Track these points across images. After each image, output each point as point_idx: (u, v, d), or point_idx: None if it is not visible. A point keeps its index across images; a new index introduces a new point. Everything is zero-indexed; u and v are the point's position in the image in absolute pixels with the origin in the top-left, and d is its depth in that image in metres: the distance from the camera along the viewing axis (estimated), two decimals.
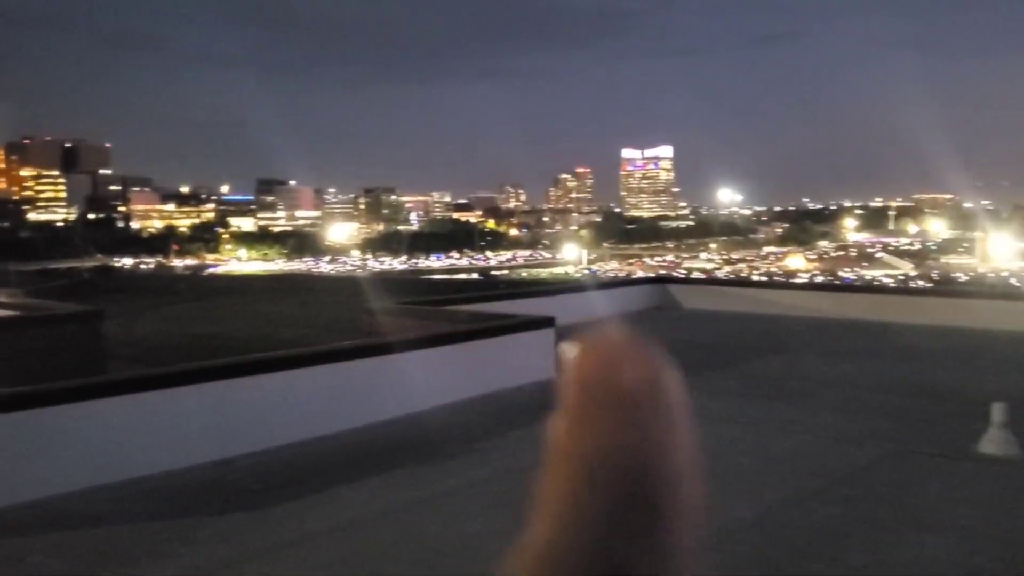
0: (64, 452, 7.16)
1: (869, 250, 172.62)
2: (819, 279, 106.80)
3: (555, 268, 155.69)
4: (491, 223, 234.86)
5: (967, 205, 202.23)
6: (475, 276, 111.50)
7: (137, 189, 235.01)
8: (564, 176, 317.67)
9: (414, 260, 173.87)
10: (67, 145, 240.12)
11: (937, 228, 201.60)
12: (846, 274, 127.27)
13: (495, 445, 8.51)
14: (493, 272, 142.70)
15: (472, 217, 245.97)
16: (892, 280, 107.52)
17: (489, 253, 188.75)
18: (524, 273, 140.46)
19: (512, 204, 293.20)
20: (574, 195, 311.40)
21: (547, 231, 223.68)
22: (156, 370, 8.37)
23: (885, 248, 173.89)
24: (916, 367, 12.38)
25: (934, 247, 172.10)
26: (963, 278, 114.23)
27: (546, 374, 11.58)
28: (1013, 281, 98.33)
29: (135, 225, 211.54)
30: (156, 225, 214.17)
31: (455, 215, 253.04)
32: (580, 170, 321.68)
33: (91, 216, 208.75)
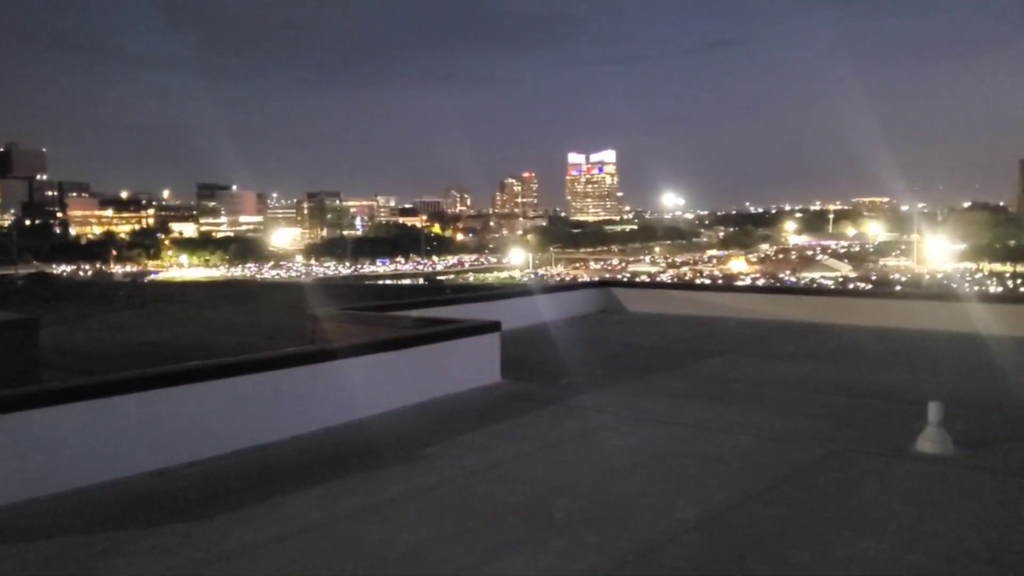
0: None
1: (809, 253, 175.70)
2: (760, 282, 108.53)
3: (501, 272, 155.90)
4: (437, 228, 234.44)
5: (904, 208, 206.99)
6: (421, 281, 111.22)
7: (75, 194, 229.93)
8: (510, 181, 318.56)
9: (359, 265, 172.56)
10: (0, 150, 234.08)
11: (875, 231, 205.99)
12: (787, 276, 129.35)
13: (440, 451, 8.46)
14: (439, 277, 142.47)
15: (418, 222, 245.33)
16: (831, 282, 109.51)
17: (435, 258, 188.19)
18: (470, 278, 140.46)
19: (458, 209, 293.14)
20: (520, 199, 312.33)
21: (493, 236, 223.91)
22: (91, 379, 8.15)
23: (824, 251, 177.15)
24: (855, 368, 12.61)
25: (872, 249, 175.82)
26: (901, 279, 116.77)
27: (492, 379, 11.58)
28: (948, 283, 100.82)
29: (73, 231, 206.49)
30: (95, 231, 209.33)
31: (401, 220, 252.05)
32: (526, 175, 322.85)
33: (27, 222, 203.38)
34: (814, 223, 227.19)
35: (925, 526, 6.16)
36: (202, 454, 8.10)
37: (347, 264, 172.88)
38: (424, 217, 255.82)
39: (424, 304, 16.20)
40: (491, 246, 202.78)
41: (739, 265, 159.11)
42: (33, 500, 6.93)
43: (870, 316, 17.13)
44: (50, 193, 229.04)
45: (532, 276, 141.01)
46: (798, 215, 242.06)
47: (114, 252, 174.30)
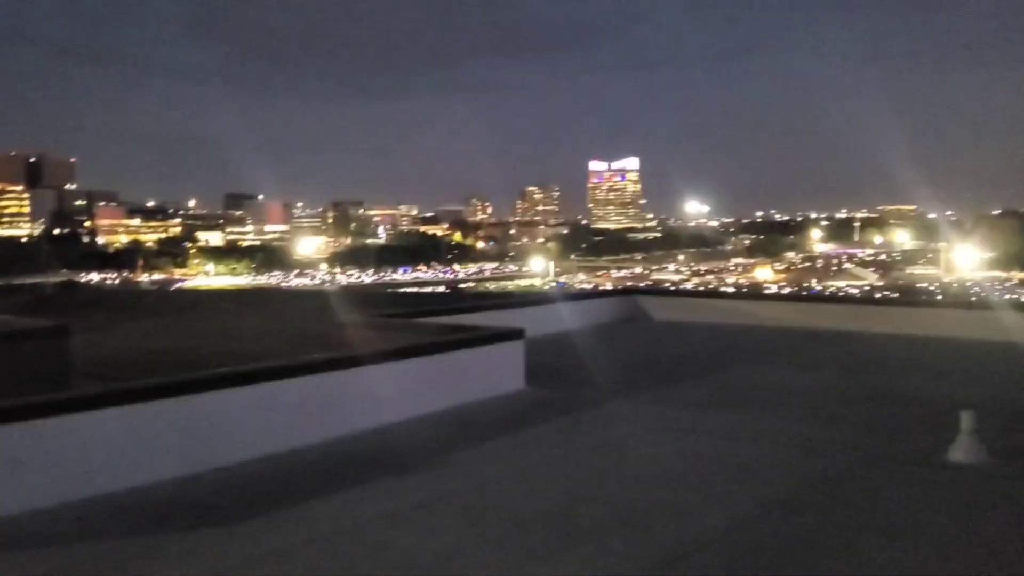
0: (25, 470, 7.00)
1: (835, 261, 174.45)
2: (786, 290, 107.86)
3: (522, 280, 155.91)
4: (457, 236, 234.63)
5: (931, 216, 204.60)
6: (443, 289, 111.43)
7: (103, 204, 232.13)
8: (531, 188, 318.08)
9: (382, 273, 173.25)
10: (31, 160, 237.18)
11: (901, 239, 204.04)
12: (813, 285, 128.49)
13: (466, 458, 8.47)
14: (461, 285, 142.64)
15: (439, 230, 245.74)
16: (857, 290, 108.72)
17: (457, 266, 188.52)
18: (491, 286, 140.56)
19: (479, 217, 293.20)
20: (541, 208, 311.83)
21: (514, 243, 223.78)
22: (121, 385, 8.22)
23: (851, 259, 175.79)
24: (884, 376, 12.49)
25: (899, 258, 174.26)
26: (929, 288, 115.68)
27: (516, 386, 11.58)
28: (978, 291, 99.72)
29: (101, 240, 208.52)
30: (122, 240, 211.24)
31: (422, 228, 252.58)
32: (546, 183, 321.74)
33: (56, 231, 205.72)
34: (840, 231, 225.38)
35: (958, 536, 6.09)
36: (231, 460, 8.15)
37: (370, 272, 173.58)
38: (445, 225, 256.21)
39: (447, 311, 16.22)
40: (512, 254, 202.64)
41: (764, 273, 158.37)
42: (66, 505, 6.99)
43: (897, 324, 16.98)
44: (79, 202, 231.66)
45: (554, 284, 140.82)
46: (824, 223, 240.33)
47: (141, 260, 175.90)
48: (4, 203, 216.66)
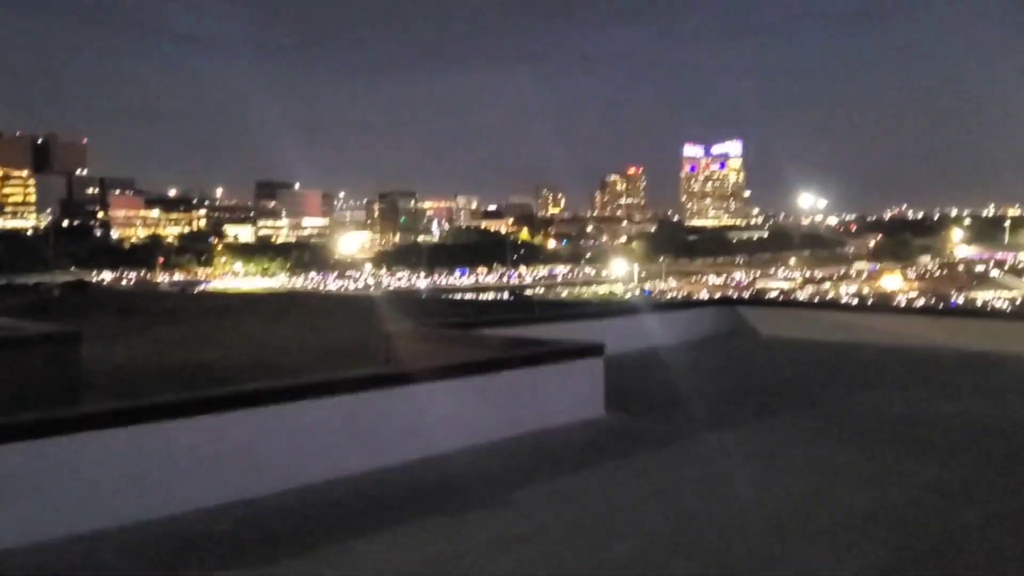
0: (26, 497, 7.15)
1: (980, 268, 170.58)
2: (920, 302, 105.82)
3: (601, 287, 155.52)
4: (525, 233, 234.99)
5: None
6: (506, 296, 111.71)
7: (118, 192, 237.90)
8: (613, 178, 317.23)
9: (436, 276, 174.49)
10: (38, 141, 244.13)
11: None
12: (952, 296, 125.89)
13: (533, 495, 8.46)
14: (527, 291, 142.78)
15: (503, 226, 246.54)
16: (1007, 303, 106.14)
17: (523, 268, 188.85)
18: (564, 293, 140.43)
19: (550, 211, 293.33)
20: (624, 200, 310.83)
21: (591, 243, 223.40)
22: (137, 402, 8.40)
23: (1000, 265, 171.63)
24: None
25: None
26: None
27: (594, 412, 11.52)
28: None
29: (115, 234, 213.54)
30: (139, 234, 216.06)
31: (483, 224, 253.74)
32: (632, 171, 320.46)
33: (65, 223, 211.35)
34: (987, 232, 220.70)
35: None
36: (260, 490, 8.25)
37: (422, 275, 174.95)
38: (511, 221, 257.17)
39: (513, 322, 16.28)
40: (589, 255, 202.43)
41: (893, 281, 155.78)
42: (72, 538, 7.13)
43: None
44: (91, 190, 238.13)
45: (638, 292, 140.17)
46: (967, 222, 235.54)
47: (161, 258, 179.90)
48: (8, 190, 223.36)
